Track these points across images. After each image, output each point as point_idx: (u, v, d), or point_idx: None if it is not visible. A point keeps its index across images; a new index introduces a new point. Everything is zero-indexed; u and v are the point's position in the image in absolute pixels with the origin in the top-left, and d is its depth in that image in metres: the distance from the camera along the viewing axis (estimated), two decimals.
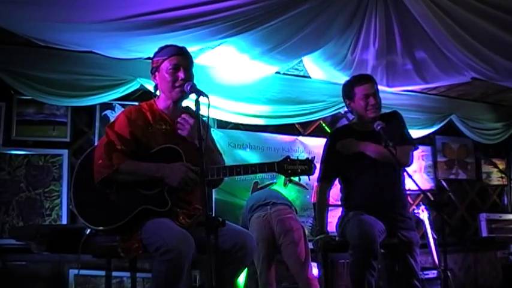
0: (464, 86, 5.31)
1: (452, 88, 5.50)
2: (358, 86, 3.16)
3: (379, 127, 2.93)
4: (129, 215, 2.29)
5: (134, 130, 2.43)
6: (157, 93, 2.60)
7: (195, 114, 2.16)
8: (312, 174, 2.47)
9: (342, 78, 4.54)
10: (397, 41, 4.08)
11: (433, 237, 4.94)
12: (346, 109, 5.05)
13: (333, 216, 3.28)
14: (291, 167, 2.41)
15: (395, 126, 3.16)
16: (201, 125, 2.12)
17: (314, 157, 2.49)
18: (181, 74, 2.44)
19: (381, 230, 2.92)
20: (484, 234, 6.01)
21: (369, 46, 4.16)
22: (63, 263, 4.05)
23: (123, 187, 2.35)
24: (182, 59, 2.48)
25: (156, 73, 2.53)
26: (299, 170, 2.42)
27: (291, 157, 2.44)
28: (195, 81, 2.44)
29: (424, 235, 4.97)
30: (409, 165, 3.07)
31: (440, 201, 5.75)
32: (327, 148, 3.28)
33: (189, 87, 2.34)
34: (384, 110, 5.03)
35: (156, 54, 2.55)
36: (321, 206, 3.19)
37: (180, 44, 2.57)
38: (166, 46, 2.54)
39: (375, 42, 4.08)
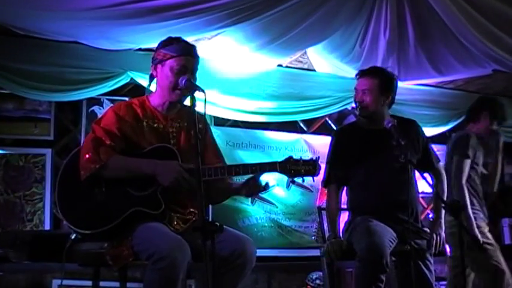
0: (485, 79, 5.31)
1: (471, 81, 5.50)
2: (358, 78, 3.24)
3: (390, 124, 2.95)
4: (119, 217, 2.31)
5: (123, 127, 2.45)
6: (152, 87, 2.61)
7: (191, 111, 2.17)
8: (317, 175, 2.49)
9: (350, 71, 4.57)
10: (410, 31, 4.10)
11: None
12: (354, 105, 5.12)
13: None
14: (294, 167, 2.44)
15: (415, 136, 3.20)
16: (197, 122, 2.14)
17: (318, 157, 2.51)
18: (185, 78, 2.42)
19: (392, 237, 2.93)
20: (507, 241, 6.02)
21: (379, 36, 4.17)
22: (46, 273, 4.04)
23: (112, 187, 2.37)
24: (192, 62, 2.49)
25: (159, 66, 2.52)
26: (303, 171, 2.45)
27: (294, 157, 2.47)
28: None
29: None
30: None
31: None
32: (333, 148, 3.30)
33: (184, 82, 2.36)
34: (395, 106, 5.07)
35: (163, 45, 2.53)
36: (331, 211, 3.20)
37: (174, 34, 2.58)
38: (178, 41, 2.53)
39: (385, 31, 4.10)
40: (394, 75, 3.30)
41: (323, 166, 2.86)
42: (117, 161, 2.35)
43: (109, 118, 2.48)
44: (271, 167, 2.43)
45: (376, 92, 3.13)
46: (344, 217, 3.32)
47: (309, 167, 2.46)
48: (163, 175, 2.32)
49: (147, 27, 3.66)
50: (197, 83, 2.34)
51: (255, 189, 2.48)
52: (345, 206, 3.36)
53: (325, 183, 3.28)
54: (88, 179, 2.34)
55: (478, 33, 3.92)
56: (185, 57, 2.48)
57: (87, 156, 2.35)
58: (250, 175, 2.45)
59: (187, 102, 2.57)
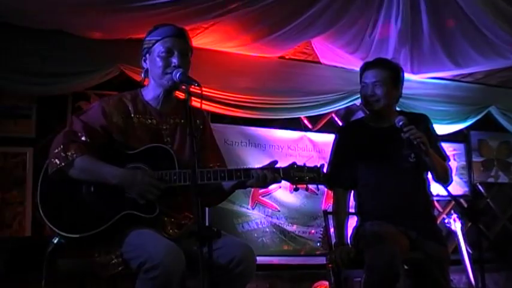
0: (507, 71, 5.32)
1: (492, 74, 5.52)
2: (365, 71, 3.21)
3: (400, 123, 2.93)
4: (108, 221, 2.30)
5: (109, 124, 2.45)
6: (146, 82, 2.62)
7: (186, 107, 2.18)
8: (321, 183, 2.55)
9: (358, 63, 4.57)
10: (424, 18, 4.10)
11: (468, 252, 4.97)
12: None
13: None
14: (297, 174, 2.49)
15: (425, 133, 3.19)
16: (192, 120, 2.14)
17: (323, 164, 2.55)
18: (175, 60, 2.46)
19: (404, 244, 2.94)
20: None
21: (390, 25, 4.18)
22: (26, 284, 4.04)
23: (102, 187, 2.36)
24: (179, 42, 2.50)
25: (147, 55, 2.55)
26: (307, 178, 2.49)
27: (297, 164, 2.50)
28: None
29: (457, 249, 5.00)
30: (449, 184, 3.16)
31: (476, 209, 5.78)
32: (337, 146, 3.29)
33: (178, 75, 2.37)
34: (407, 101, 5.12)
35: (149, 33, 2.57)
36: (338, 216, 3.21)
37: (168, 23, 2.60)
38: (163, 25, 2.56)
39: (397, 19, 4.10)
40: (401, 67, 3.30)
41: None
42: (84, 161, 2.33)
43: (93, 112, 2.48)
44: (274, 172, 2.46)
45: (388, 85, 3.13)
46: (352, 222, 3.33)
47: (313, 174, 2.50)
48: (131, 188, 2.32)
49: (138, 15, 3.66)
50: (191, 74, 2.35)
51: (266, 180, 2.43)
52: (353, 210, 3.37)
53: (331, 185, 3.28)
54: (54, 175, 2.33)
55: (499, 20, 3.92)
56: (171, 37, 2.49)
57: (55, 151, 2.34)
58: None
59: (182, 96, 2.59)
